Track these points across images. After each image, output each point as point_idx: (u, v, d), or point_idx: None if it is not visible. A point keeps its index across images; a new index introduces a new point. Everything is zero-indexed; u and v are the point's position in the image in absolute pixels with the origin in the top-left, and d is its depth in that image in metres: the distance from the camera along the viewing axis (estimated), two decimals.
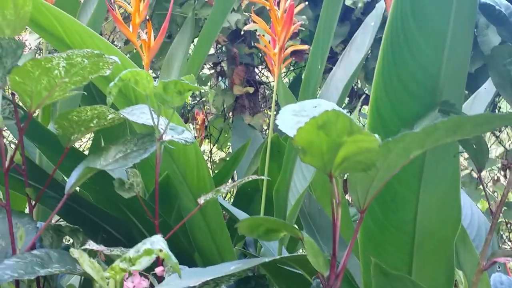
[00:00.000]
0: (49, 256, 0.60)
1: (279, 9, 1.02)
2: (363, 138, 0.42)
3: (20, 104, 0.65)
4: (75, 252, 0.45)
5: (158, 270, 0.62)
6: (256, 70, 1.99)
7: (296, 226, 0.57)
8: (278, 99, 1.15)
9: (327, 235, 1.11)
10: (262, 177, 0.78)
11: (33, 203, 0.71)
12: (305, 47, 1.08)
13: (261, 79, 1.99)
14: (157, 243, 0.42)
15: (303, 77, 0.84)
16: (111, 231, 0.78)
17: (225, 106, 1.89)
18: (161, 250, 0.42)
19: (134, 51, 1.27)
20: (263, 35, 1.10)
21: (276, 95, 1.11)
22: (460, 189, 0.65)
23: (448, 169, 0.60)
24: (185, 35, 1.54)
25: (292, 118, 0.56)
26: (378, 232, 0.64)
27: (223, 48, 1.91)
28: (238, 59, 1.82)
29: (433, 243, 0.68)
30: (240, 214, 0.97)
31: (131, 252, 0.42)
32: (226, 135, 2.06)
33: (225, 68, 1.94)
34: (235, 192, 1.50)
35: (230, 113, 1.93)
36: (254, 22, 1.10)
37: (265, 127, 1.97)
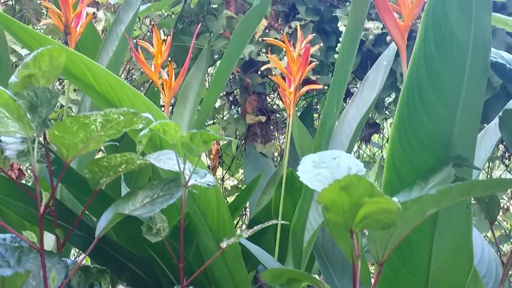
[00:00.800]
0: None
1: (294, 50, 1.06)
2: (383, 201, 0.45)
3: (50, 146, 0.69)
4: None
5: None
6: (267, 98, 2.03)
7: (316, 277, 0.60)
8: (293, 135, 1.18)
9: (341, 268, 1.14)
10: (283, 222, 0.81)
11: (62, 242, 0.75)
12: (320, 86, 1.12)
13: (273, 108, 2.02)
14: None
15: (320, 120, 0.87)
16: (135, 270, 0.81)
17: (237, 134, 1.93)
18: None
19: (155, 89, 1.31)
20: (278, 75, 1.14)
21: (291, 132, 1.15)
22: (472, 235, 0.68)
23: (461, 218, 0.63)
24: (201, 67, 1.59)
25: (312, 170, 0.60)
26: (393, 276, 0.67)
27: (236, 78, 1.95)
28: (251, 88, 1.86)
29: (446, 285, 0.70)
30: (254, 248, 1.00)
31: None
32: (237, 161, 2.10)
33: (238, 97, 1.98)
34: (247, 221, 1.53)
35: (242, 141, 1.96)
36: (268, 53, 1.14)
37: (276, 154, 2.00)
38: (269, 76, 1.59)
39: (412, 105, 0.55)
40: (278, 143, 1.93)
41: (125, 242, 0.83)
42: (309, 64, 1.05)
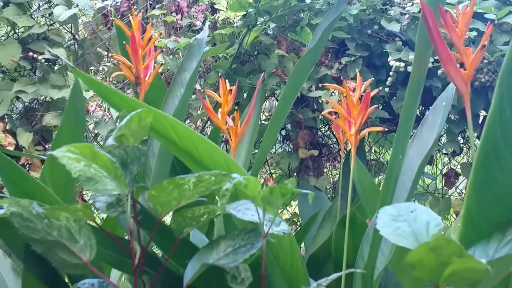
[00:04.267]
0: None
1: (354, 94, 1.10)
2: (471, 262, 0.48)
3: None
4: None
5: None
6: (319, 132, 2.06)
7: None
8: (353, 175, 1.21)
9: None
10: (358, 270, 0.83)
11: None
12: (380, 129, 1.15)
13: (324, 141, 2.06)
14: None
15: (387, 165, 0.90)
16: None
17: (290, 168, 1.97)
18: None
19: (223, 136, 1.37)
20: (337, 118, 1.18)
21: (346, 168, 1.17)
22: None
23: None
24: (256, 106, 1.64)
25: (391, 223, 0.63)
26: None
27: (288, 115, 2.00)
28: (303, 123, 1.91)
29: None
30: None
31: None
32: (289, 195, 2.13)
33: (290, 132, 2.03)
34: (305, 257, 1.56)
35: (295, 175, 2.00)
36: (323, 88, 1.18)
37: (328, 187, 2.03)
38: (323, 113, 1.63)
39: (488, 163, 0.58)
40: (330, 176, 1.96)
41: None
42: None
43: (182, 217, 0.76)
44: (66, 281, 1.12)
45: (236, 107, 1.09)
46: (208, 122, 1.95)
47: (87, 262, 0.69)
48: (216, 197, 0.73)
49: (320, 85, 1.70)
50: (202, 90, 1.64)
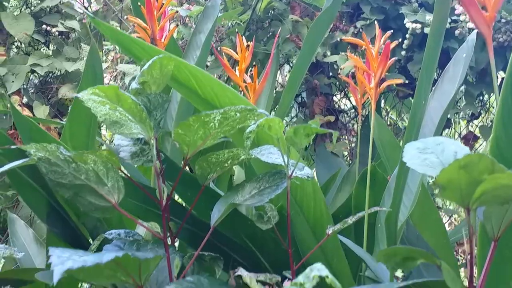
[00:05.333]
0: (201, 282, 0.69)
1: (374, 47, 1.09)
2: (503, 176, 0.48)
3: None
4: (247, 279, 0.53)
5: None
6: (334, 98, 2.05)
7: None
8: (372, 130, 1.20)
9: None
10: (384, 209, 0.83)
11: (174, 235, 0.81)
12: (400, 80, 1.14)
13: (340, 108, 2.05)
14: (323, 270, 0.49)
15: (410, 112, 0.90)
16: (239, 260, 0.86)
17: None
18: (327, 277, 0.49)
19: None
20: (357, 72, 1.17)
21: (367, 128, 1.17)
22: None
23: None
24: (271, 71, 1.64)
25: (418, 156, 0.63)
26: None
27: (303, 80, 1.99)
28: (318, 89, 1.90)
29: None
30: (345, 240, 1.03)
31: (301, 278, 0.50)
32: (306, 162, 2.13)
33: (305, 99, 2.02)
34: None
35: (312, 142, 2.00)
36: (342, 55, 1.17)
37: (346, 154, 2.02)
38: (339, 75, 1.62)
39: None
40: (347, 142, 1.95)
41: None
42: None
43: (207, 162, 0.76)
44: (90, 240, 1.14)
45: (254, 63, 1.09)
46: (226, 83, 1.95)
47: (115, 204, 0.70)
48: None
49: (339, 39, 1.68)
50: (219, 49, 1.63)
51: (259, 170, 0.90)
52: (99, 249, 0.81)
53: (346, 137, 2.00)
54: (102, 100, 0.67)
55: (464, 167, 0.49)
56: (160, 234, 0.71)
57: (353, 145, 1.97)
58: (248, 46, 1.10)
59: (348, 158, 2.02)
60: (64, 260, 0.52)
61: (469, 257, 0.55)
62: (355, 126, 2.04)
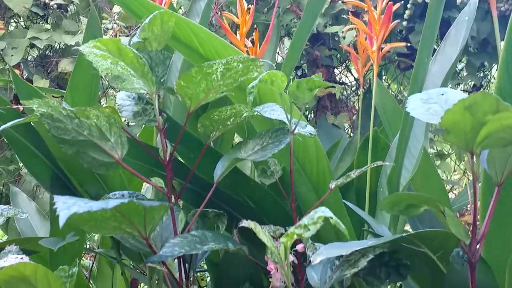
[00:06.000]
0: (205, 236, 0.69)
1: (376, 10, 1.08)
2: (507, 116, 0.48)
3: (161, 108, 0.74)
4: (251, 224, 0.53)
5: (299, 247, 0.70)
6: (335, 71, 2.05)
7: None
8: (374, 95, 1.20)
9: (428, 224, 1.15)
10: (387, 163, 0.83)
11: (178, 194, 0.81)
12: (403, 44, 1.14)
13: (341, 80, 2.04)
14: (328, 212, 0.49)
15: (412, 72, 0.89)
16: (241, 219, 0.87)
17: (307, 107, 1.96)
18: (332, 218, 0.49)
19: None
20: (359, 37, 1.16)
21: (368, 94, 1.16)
22: None
23: None
24: (271, 42, 1.62)
25: (422, 105, 0.63)
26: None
27: (303, 52, 1.98)
28: (320, 61, 1.89)
29: None
30: (348, 203, 1.03)
31: (305, 220, 0.50)
32: None
33: (306, 71, 2.01)
34: None
35: (312, 114, 2.00)
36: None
37: (347, 126, 2.02)
38: (341, 45, 1.61)
39: None
40: (348, 114, 1.95)
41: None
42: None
43: (209, 120, 0.76)
44: None
45: (255, 27, 1.08)
46: None
47: (119, 160, 0.70)
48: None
49: (340, 1, 1.67)
50: (219, 13, 1.62)
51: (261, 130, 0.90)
52: None
53: (347, 110, 2.00)
54: (104, 54, 0.67)
55: (468, 108, 0.49)
56: (164, 189, 0.72)
57: (354, 117, 1.96)
58: (249, 9, 1.09)
59: (349, 131, 2.02)
60: (70, 205, 0.52)
61: (472, 205, 0.55)
62: (356, 99, 2.03)
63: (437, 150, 1.91)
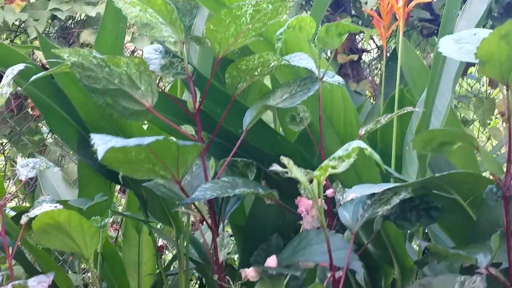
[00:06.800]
0: (235, 182, 0.70)
1: None
2: None
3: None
4: (284, 160, 0.53)
5: (329, 192, 0.70)
6: (357, 37, 2.03)
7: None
8: (399, 53, 1.18)
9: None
10: (417, 109, 0.83)
11: (206, 146, 0.82)
12: None
13: (363, 47, 2.02)
14: (363, 144, 0.49)
15: (440, 25, 0.88)
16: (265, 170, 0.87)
17: None
18: (366, 149, 0.49)
19: None
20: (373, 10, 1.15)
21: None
22: None
23: None
24: (291, 13, 1.61)
25: (454, 45, 0.62)
26: None
27: (324, 19, 1.96)
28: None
29: None
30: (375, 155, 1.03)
31: (339, 152, 0.50)
32: None
33: None
34: None
35: None
36: None
37: (369, 94, 2.01)
38: (363, 9, 1.59)
39: None
40: (370, 81, 1.93)
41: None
42: None
43: (237, 70, 0.76)
44: None
45: None
46: None
47: (150, 107, 0.71)
48: None
49: None
50: None
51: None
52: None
53: (370, 77, 1.98)
54: (133, 1, 0.67)
55: (504, 37, 0.48)
56: (195, 137, 0.72)
57: (376, 85, 1.95)
58: None
59: (371, 99, 2.01)
60: (107, 141, 0.53)
61: (507, 139, 0.55)
62: (378, 66, 2.01)
63: (461, 116, 1.89)
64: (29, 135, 1.93)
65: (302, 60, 0.76)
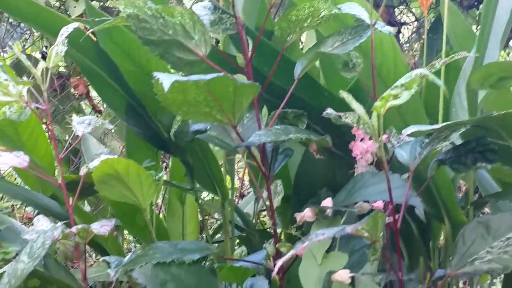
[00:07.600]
0: (288, 129, 0.71)
1: None
2: None
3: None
4: (344, 94, 0.54)
5: (384, 137, 0.70)
6: (396, 10, 2.00)
7: None
8: (444, 18, 1.16)
9: None
10: (471, 54, 0.82)
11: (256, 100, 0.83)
12: None
13: (402, 20, 2.00)
14: (424, 70, 0.49)
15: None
16: (317, 129, 0.88)
17: None
18: (428, 76, 0.49)
19: None
20: None
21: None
22: None
23: None
24: None
25: None
26: None
27: None
28: (381, 1, 1.85)
29: None
30: None
31: (402, 80, 0.50)
32: None
33: None
34: None
35: None
36: None
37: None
38: None
39: None
40: (411, 53, 1.91)
41: None
42: None
43: (286, 21, 0.77)
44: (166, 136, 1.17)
45: None
46: None
47: (203, 57, 0.72)
48: None
49: None
50: None
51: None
52: None
53: (408, 50, 1.95)
54: None
55: None
56: None
57: (417, 57, 1.92)
58: None
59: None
60: (170, 77, 0.54)
61: None
62: (417, 39, 1.98)
63: None
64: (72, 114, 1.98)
65: (352, 9, 0.76)
